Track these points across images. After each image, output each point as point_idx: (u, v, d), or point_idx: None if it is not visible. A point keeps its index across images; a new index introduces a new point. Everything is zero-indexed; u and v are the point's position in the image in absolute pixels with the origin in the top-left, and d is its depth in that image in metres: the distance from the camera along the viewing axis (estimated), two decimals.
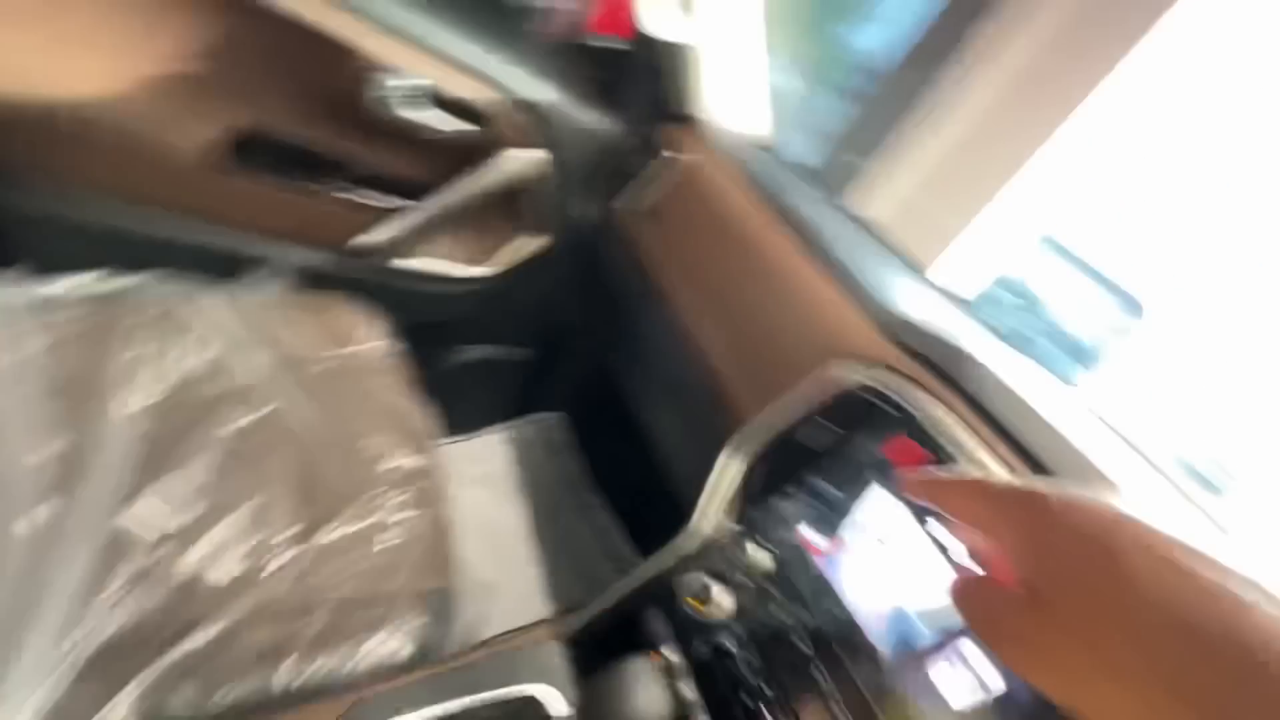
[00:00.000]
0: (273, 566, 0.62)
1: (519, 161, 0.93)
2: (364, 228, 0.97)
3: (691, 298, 0.87)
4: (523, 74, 0.88)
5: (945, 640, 0.48)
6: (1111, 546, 0.24)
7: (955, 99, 0.96)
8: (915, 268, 0.88)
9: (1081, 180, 0.95)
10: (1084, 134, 0.87)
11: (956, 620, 0.47)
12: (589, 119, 0.98)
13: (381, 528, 0.69)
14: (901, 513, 0.53)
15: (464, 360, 1.25)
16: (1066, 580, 0.24)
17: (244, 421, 0.70)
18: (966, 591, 0.29)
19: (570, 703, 0.49)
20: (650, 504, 0.93)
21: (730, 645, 0.58)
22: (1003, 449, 0.52)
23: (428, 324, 1.15)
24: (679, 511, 0.69)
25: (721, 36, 0.91)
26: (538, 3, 1.09)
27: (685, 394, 0.94)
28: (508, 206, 1.02)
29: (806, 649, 0.54)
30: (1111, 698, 0.22)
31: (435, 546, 0.72)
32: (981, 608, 0.28)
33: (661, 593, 0.66)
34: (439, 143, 0.89)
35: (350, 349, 0.85)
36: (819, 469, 0.60)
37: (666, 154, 0.96)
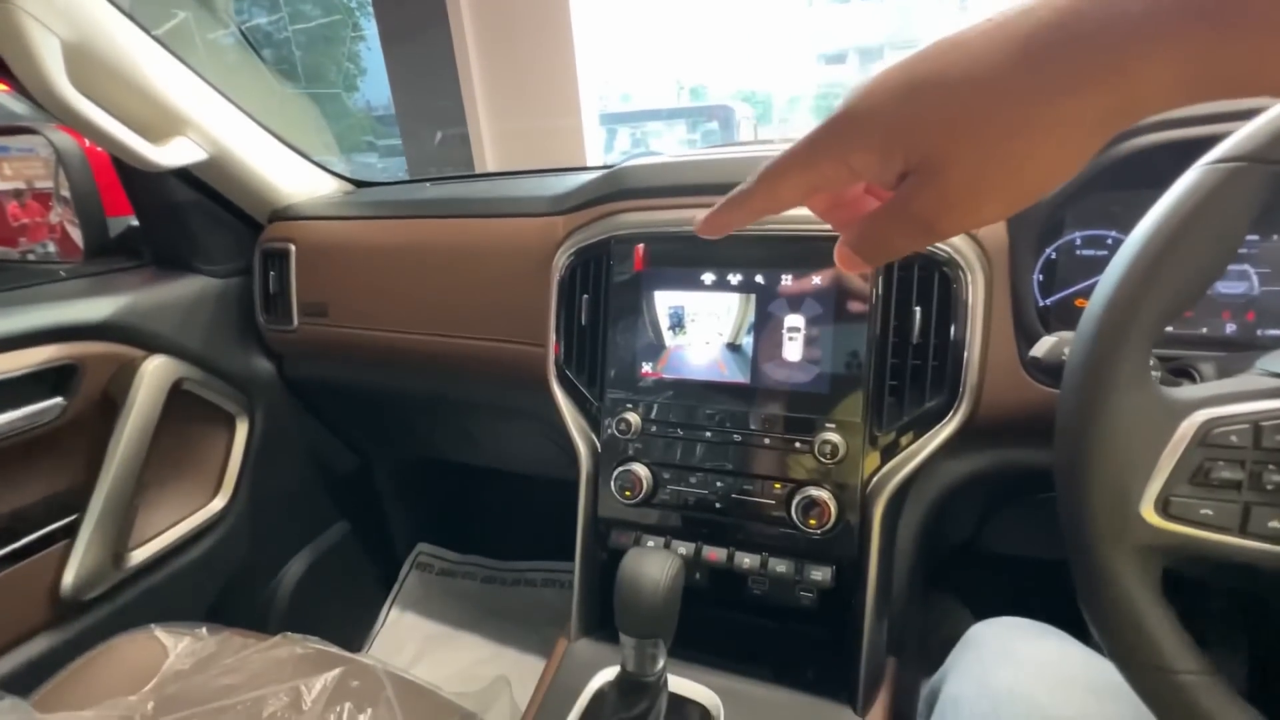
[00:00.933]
0: None
1: (149, 385, 0.81)
2: (58, 572, 0.78)
3: (414, 326, 0.86)
4: (70, 308, 0.76)
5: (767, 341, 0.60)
6: (931, 81, 0.23)
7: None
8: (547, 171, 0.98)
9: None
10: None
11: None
12: (182, 289, 0.89)
13: None
14: (688, 295, 0.63)
15: (298, 574, 1.09)
16: (932, 132, 0.23)
17: None
18: (872, 227, 0.27)
19: (622, 663, 0.50)
20: (549, 502, 0.94)
21: (680, 487, 0.64)
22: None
23: (227, 585, 0.98)
24: (569, 487, 0.71)
25: (238, 134, 0.87)
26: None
27: (484, 402, 0.95)
28: (187, 423, 0.89)
29: (712, 433, 0.63)
30: (1050, 147, 0.22)
31: (424, 706, 0.65)
32: (892, 222, 0.26)
33: (610, 525, 0.68)
34: (46, 433, 0.74)
35: (167, 672, 0.69)
36: (616, 327, 0.66)
37: (288, 246, 0.91)
